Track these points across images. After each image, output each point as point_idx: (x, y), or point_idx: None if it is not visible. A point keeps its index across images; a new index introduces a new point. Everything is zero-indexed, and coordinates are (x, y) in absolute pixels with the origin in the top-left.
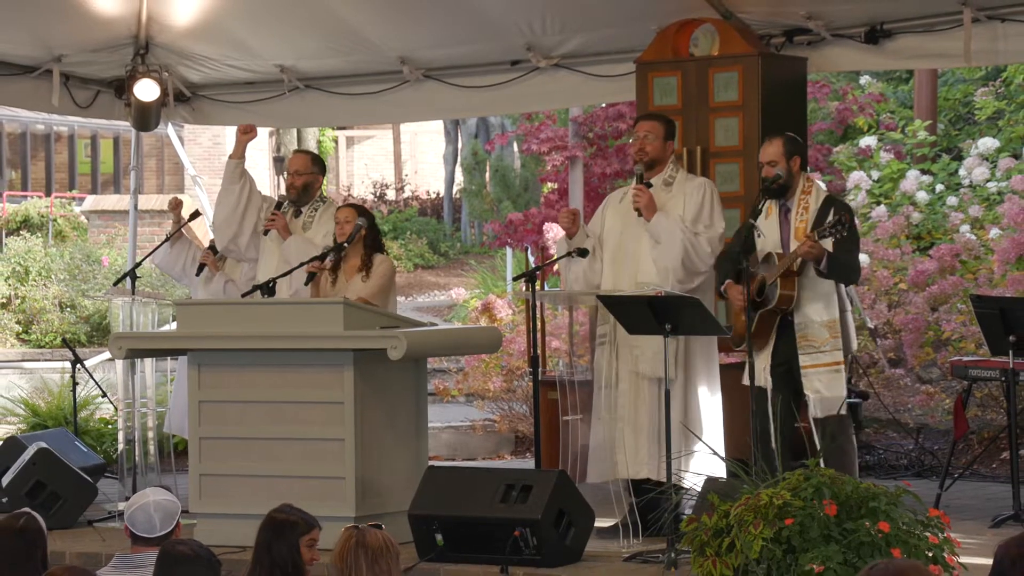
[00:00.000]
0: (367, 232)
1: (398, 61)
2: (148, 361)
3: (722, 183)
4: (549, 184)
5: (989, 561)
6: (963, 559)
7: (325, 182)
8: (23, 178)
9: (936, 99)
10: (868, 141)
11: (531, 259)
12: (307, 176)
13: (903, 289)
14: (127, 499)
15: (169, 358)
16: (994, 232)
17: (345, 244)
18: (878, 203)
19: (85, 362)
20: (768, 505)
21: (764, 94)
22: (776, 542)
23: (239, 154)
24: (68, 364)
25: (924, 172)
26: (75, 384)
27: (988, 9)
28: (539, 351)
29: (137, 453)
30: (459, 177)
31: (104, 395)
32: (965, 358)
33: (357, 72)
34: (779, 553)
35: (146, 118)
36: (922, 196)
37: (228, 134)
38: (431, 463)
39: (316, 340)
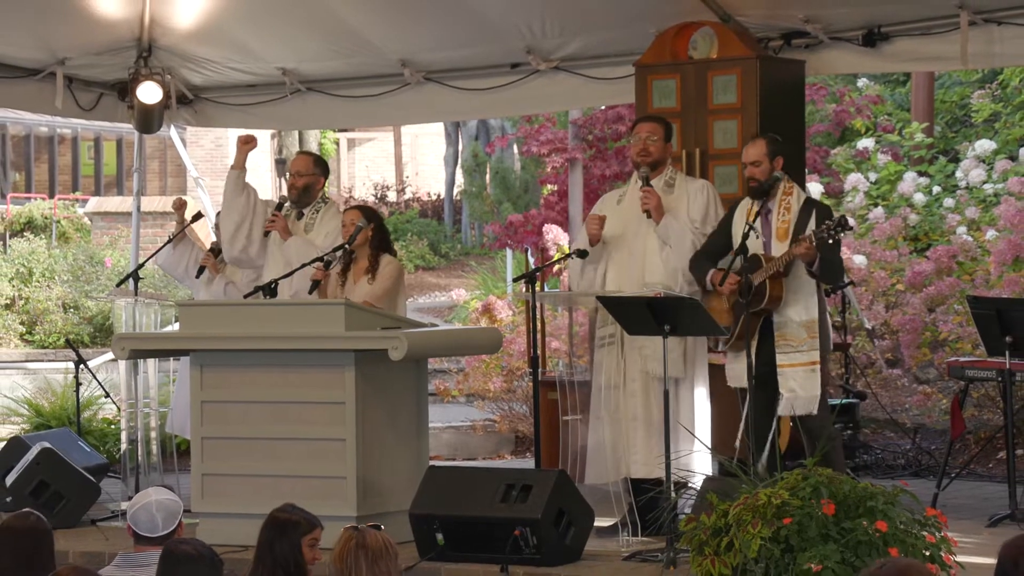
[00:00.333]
0: (374, 233)
1: (399, 64)
2: (151, 362)
3: (721, 185)
4: (549, 186)
5: (986, 560)
6: (960, 558)
7: (326, 184)
8: (27, 180)
9: (933, 101)
10: (865, 143)
11: (531, 260)
12: (308, 177)
13: (900, 290)
14: (130, 499)
15: (171, 359)
16: (991, 234)
17: (346, 245)
18: (875, 205)
19: (88, 363)
20: (766, 504)
21: (762, 96)
22: (774, 541)
23: (240, 164)
24: (71, 365)
25: (921, 174)
26: (78, 384)
27: (985, 12)
28: (539, 352)
29: (140, 453)
30: (459, 179)
31: (107, 395)
32: (962, 358)
33: (358, 75)
34: (777, 552)
35: (149, 120)
36: (919, 198)
37: (230, 136)
38: (432, 463)
39: (318, 341)
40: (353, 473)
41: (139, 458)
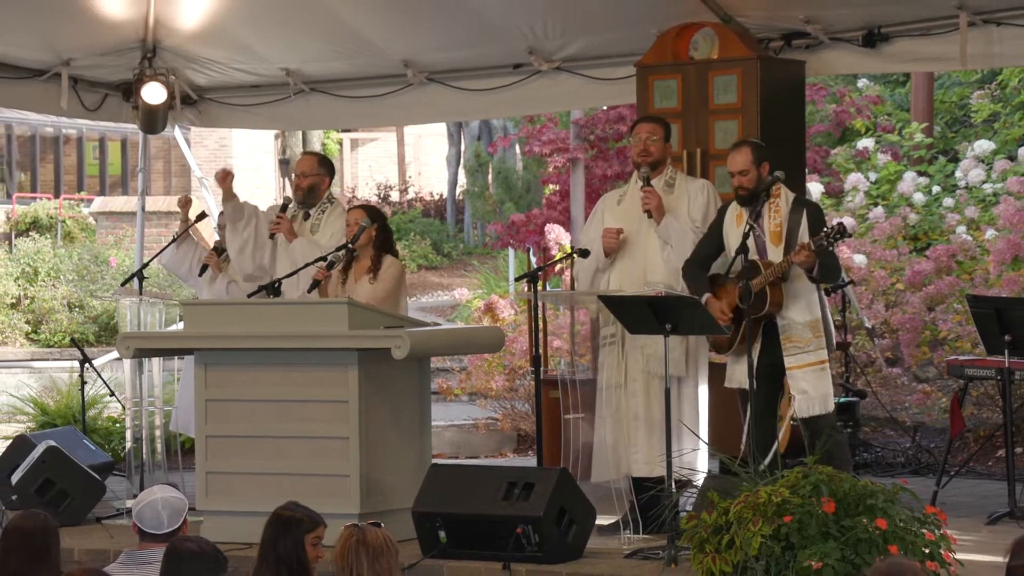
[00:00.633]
0: (377, 233)
1: (402, 64)
2: (155, 360)
3: (721, 185)
4: (551, 186)
5: (985, 558)
6: (959, 555)
7: (331, 184)
8: (32, 180)
9: (933, 102)
10: (865, 143)
11: (533, 260)
12: (313, 178)
13: (900, 289)
14: (135, 496)
15: (176, 357)
16: (990, 233)
17: (349, 244)
18: (875, 204)
19: (93, 361)
20: (767, 502)
21: (763, 97)
22: (775, 539)
23: (230, 197)
24: (76, 363)
25: (921, 174)
26: (83, 383)
27: (984, 13)
28: (541, 350)
29: (144, 451)
30: (462, 179)
31: (112, 394)
32: (961, 357)
33: (361, 75)
34: (778, 550)
35: (153, 121)
36: (919, 197)
37: (234, 136)
38: (434, 461)
39: (321, 340)
40: (356, 471)
41: (144, 456)
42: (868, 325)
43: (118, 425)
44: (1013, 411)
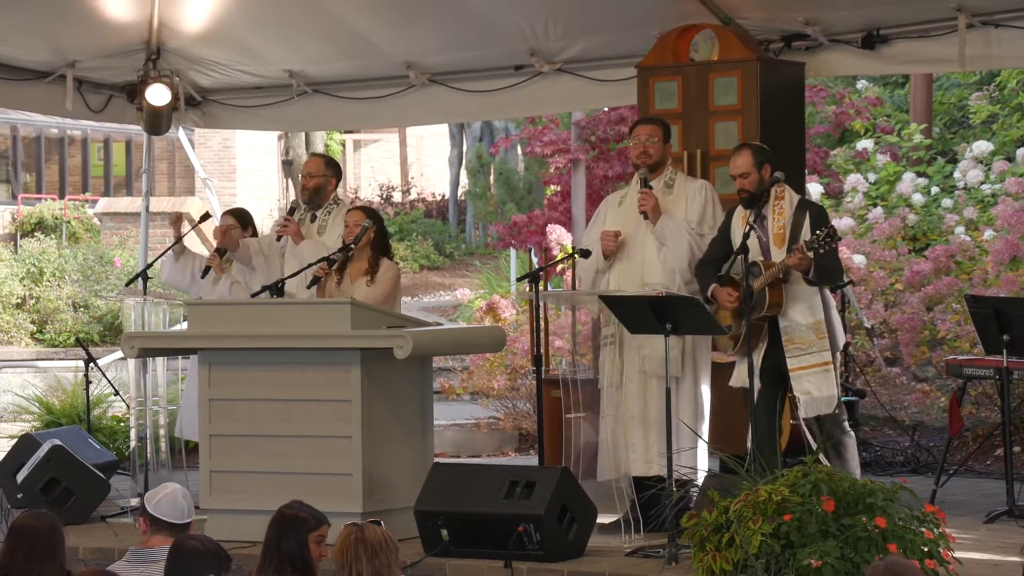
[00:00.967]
0: (375, 235)
1: (404, 66)
2: (159, 360)
3: (721, 185)
4: (552, 186)
5: (984, 556)
6: (958, 554)
7: (337, 185)
8: (38, 181)
9: (931, 103)
10: (865, 144)
11: (534, 260)
12: (319, 179)
13: (899, 289)
14: (139, 495)
15: (180, 357)
16: (988, 233)
17: (353, 244)
18: (875, 205)
19: (98, 361)
20: (767, 501)
21: (763, 98)
22: (775, 537)
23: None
24: (81, 363)
25: (920, 175)
26: (88, 382)
27: (982, 15)
28: (542, 350)
29: (149, 450)
30: (464, 180)
31: (116, 393)
32: (960, 357)
33: (364, 77)
34: (778, 548)
35: (158, 122)
36: (918, 198)
37: (238, 137)
38: (437, 460)
39: (324, 339)
40: (359, 470)
41: (148, 455)
42: (867, 325)
43: (122, 424)
44: (1011, 410)
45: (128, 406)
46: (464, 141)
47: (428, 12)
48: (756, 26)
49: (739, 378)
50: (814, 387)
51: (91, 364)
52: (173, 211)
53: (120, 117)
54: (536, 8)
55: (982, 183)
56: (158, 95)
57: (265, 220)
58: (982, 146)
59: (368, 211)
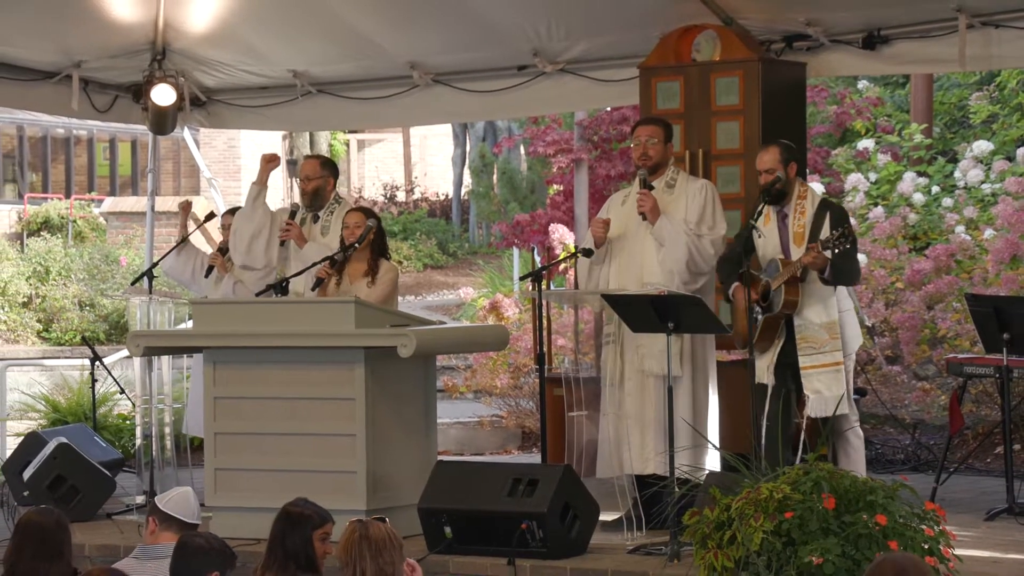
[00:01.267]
0: (375, 236)
1: (408, 66)
2: (165, 359)
3: (723, 185)
4: (555, 186)
5: (984, 553)
6: (958, 551)
7: (337, 184)
8: (44, 180)
9: (932, 103)
10: (866, 144)
11: (537, 259)
12: (317, 181)
13: (900, 288)
14: (145, 493)
15: (185, 356)
16: (988, 233)
17: (356, 244)
18: (875, 204)
19: (104, 359)
20: (768, 499)
21: (764, 98)
22: (776, 535)
23: (263, 181)
24: (87, 361)
25: (920, 174)
26: (94, 381)
27: (983, 15)
28: (545, 349)
29: (154, 448)
30: (467, 179)
31: (122, 392)
32: (960, 355)
33: (368, 77)
34: (779, 545)
35: (163, 122)
36: (918, 198)
37: (243, 137)
38: (440, 458)
39: (328, 338)
40: (363, 468)
41: (154, 453)
42: (868, 324)
43: (128, 422)
44: (1011, 408)
45: (134, 404)
46: (467, 141)
47: (431, 13)
48: (757, 27)
49: (759, 374)
50: (824, 386)
51: (97, 362)
52: (182, 199)
53: (126, 117)
54: (539, 9)
55: (982, 183)
56: (163, 95)
57: None
58: (982, 146)
59: (367, 212)
